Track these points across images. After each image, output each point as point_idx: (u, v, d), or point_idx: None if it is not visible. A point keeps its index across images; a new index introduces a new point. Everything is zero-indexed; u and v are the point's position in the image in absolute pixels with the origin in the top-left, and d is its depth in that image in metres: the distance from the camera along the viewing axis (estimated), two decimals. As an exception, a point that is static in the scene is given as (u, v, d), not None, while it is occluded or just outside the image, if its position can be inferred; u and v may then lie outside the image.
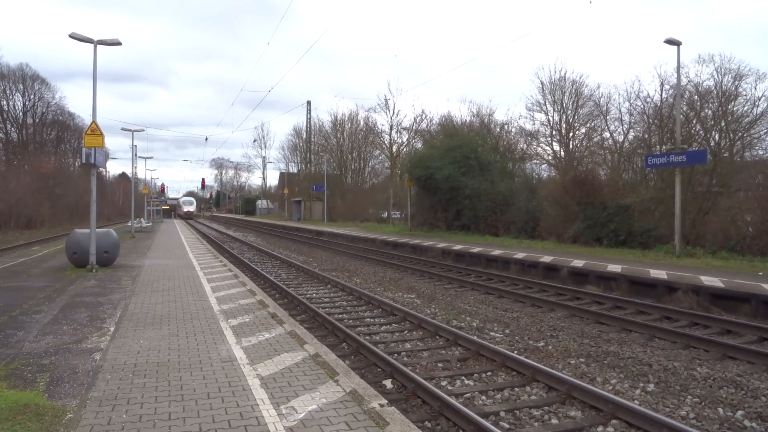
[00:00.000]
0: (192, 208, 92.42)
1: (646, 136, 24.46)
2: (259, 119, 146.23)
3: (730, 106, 21.46)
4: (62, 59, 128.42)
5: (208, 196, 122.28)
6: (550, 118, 32.40)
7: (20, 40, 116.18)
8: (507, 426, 5.06)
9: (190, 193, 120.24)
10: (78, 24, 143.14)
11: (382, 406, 4.42)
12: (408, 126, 51.91)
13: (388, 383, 6.16)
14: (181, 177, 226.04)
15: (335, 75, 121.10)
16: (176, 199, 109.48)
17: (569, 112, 31.83)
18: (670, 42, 16.75)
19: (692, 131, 21.80)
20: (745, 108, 21.61)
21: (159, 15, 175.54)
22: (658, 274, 12.23)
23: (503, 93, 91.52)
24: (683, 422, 5.10)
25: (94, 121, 13.72)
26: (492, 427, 4.67)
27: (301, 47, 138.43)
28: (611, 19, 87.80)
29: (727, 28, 68.24)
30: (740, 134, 21.73)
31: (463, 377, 6.44)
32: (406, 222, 34.80)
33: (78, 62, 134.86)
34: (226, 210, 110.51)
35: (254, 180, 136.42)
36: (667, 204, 18.68)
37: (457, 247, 20.17)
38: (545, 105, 32.48)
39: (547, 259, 15.56)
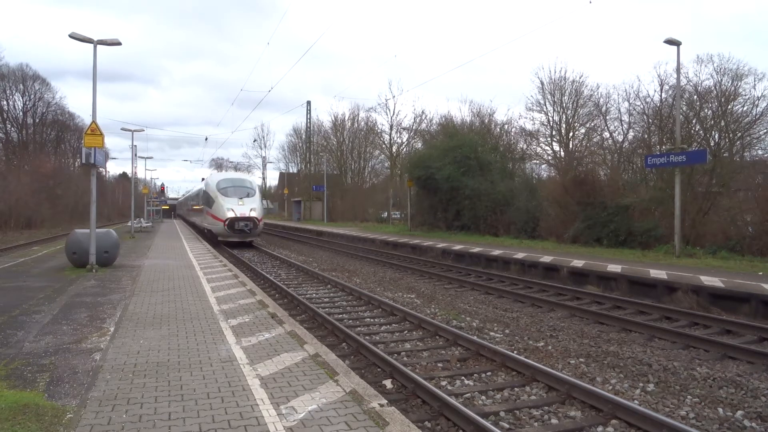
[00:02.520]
0: (253, 210, 25.57)
1: (646, 136, 24.50)
2: (258, 119, 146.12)
3: (729, 106, 21.49)
4: (51, 58, 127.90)
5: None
6: (550, 118, 32.50)
7: (11, 38, 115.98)
8: (507, 426, 5.06)
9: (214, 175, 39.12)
10: (57, 21, 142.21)
11: (382, 406, 4.42)
12: (408, 126, 52.05)
13: (387, 383, 6.16)
14: (179, 177, 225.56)
15: (334, 75, 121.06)
16: (180, 196, 76.37)
17: (569, 112, 31.92)
18: (670, 42, 16.75)
19: (692, 131, 21.83)
20: (745, 108, 21.68)
21: (142, 13, 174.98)
22: (658, 274, 12.23)
23: (503, 93, 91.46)
24: (683, 422, 5.10)
25: (94, 121, 13.72)
26: (492, 427, 4.67)
27: (299, 48, 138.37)
28: (611, 19, 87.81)
29: (726, 28, 68.25)
30: (740, 134, 21.76)
31: (463, 377, 6.44)
32: (406, 222, 34.80)
33: (68, 61, 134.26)
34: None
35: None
36: (667, 204, 18.68)
37: (457, 247, 20.17)
38: (545, 105, 32.59)
39: (547, 259, 15.55)
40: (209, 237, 27.70)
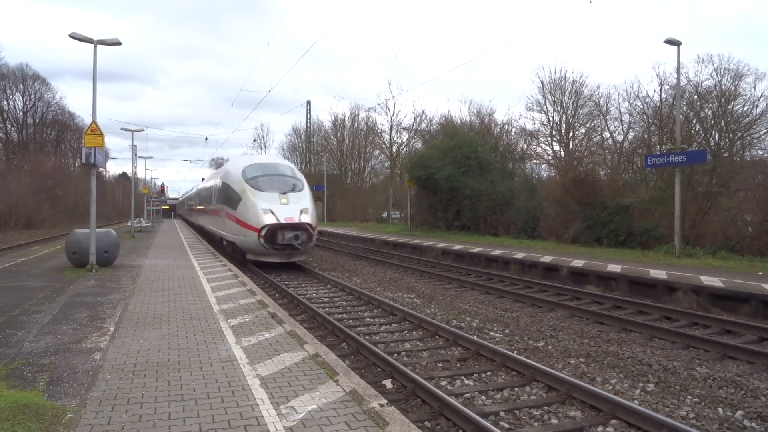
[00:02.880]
0: (305, 212, 15.99)
1: (646, 136, 24.53)
2: (257, 119, 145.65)
3: (729, 106, 21.51)
4: (50, 58, 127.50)
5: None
6: (550, 118, 32.54)
7: (11, 38, 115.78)
8: (507, 426, 5.06)
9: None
10: (56, 21, 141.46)
11: (381, 406, 4.42)
12: (408, 126, 52.10)
13: (387, 383, 6.16)
14: (179, 177, 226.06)
15: (334, 75, 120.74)
16: (181, 195, 69.16)
17: (569, 112, 31.96)
18: (670, 42, 16.74)
19: (692, 131, 21.85)
20: (745, 108, 21.72)
21: (141, 13, 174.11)
22: (658, 274, 12.22)
23: (503, 93, 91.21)
24: (683, 422, 5.09)
25: (94, 121, 13.71)
26: (492, 427, 4.67)
27: (299, 48, 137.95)
28: (611, 19, 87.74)
29: (726, 28, 68.22)
30: (740, 134, 21.78)
31: (463, 377, 6.44)
32: (406, 222, 34.81)
33: (68, 61, 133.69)
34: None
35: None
36: (667, 204, 18.69)
37: (457, 247, 20.17)
38: (545, 105, 32.64)
39: (547, 259, 15.55)
40: (231, 252, 18.30)
